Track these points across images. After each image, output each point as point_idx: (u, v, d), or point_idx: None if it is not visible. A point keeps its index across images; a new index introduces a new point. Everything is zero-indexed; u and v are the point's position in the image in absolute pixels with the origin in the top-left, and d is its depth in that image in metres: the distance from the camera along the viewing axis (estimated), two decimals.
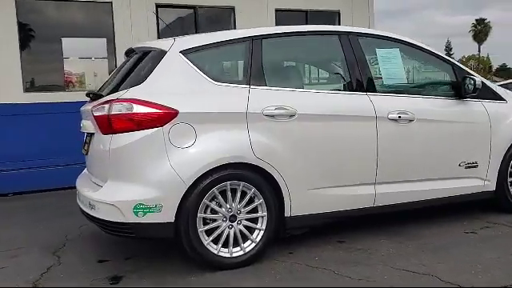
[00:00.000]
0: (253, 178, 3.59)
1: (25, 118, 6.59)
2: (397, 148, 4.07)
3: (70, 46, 7.37)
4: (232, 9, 7.85)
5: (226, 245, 3.57)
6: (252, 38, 3.80)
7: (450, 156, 4.33)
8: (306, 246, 3.97)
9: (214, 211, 3.53)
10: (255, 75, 3.72)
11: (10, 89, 6.55)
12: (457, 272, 3.37)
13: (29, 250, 4.26)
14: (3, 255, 4.14)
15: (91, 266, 3.82)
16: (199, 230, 3.46)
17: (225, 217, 3.55)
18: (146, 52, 3.87)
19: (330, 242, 4.06)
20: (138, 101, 3.38)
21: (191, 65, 3.60)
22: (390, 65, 4.20)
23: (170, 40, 3.70)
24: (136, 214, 3.33)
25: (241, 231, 3.60)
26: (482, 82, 4.38)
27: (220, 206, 3.54)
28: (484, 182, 4.49)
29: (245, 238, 3.62)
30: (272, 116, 3.63)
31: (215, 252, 3.52)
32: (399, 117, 4.03)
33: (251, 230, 3.64)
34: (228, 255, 3.56)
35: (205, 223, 3.51)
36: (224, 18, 8.01)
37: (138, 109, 3.37)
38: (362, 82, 4.03)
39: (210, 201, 3.50)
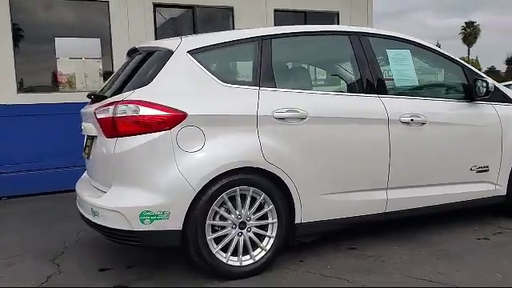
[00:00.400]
0: (263, 183, 3.45)
1: (18, 119, 6.40)
2: (409, 152, 3.95)
3: (63, 45, 7.19)
4: (230, 9, 7.72)
5: (234, 253, 3.42)
6: (261, 38, 3.66)
7: (462, 160, 4.22)
8: (316, 253, 3.83)
9: (222, 218, 3.38)
10: (265, 76, 3.58)
11: (3, 90, 6.36)
12: (477, 281, 3.25)
13: (25, 258, 4.08)
14: None
15: (93, 274, 3.66)
16: (208, 237, 3.31)
17: (234, 224, 3.40)
18: (150, 52, 3.72)
19: (341, 249, 3.93)
20: (145, 102, 3.23)
21: (199, 65, 3.45)
22: (400, 66, 4.09)
23: (177, 39, 3.54)
24: (142, 221, 3.18)
25: (250, 239, 3.45)
26: (493, 85, 4.28)
27: (229, 213, 3.39)
28: (495, 186, 4.39)
29: (254, 246, 3.48)
30: (283, 119, 3.50)
31: (224, 261, 3.37)
32: (412, 120, 3.91)
33: (261, 238, 3.50)
34: (237, 264, 3.41)
35: (213, 230, 3.36)
36: (222, 18, 7.88)
37: (145, 111, 3.21)
38: (374, 83, 3.91)
39: (219, 207, 3.36)
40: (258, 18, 7.76)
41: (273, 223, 3.50)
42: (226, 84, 3.47)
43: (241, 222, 3.42)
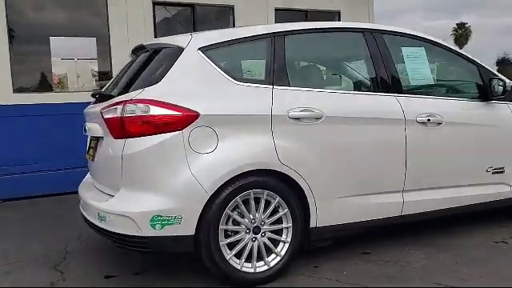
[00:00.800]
0: (277, 185, 3.30)
1: (15, 119, 6.20)
2: (425, 153, 3.82)
3: (58, 45, 7.01)
4: (231, 7, 7.56)
5: (248, 259, 3.27)
6: (274, 35, 3.52)
7: (478, 161, 4.09)
8: (331, 258, 3.69)
9: (236, 223, 3.23)
10: (278, 74, 3.43)
11: None
12: None
13: (25, 265, 3.90)
14: None
15: (99, 281, 3.49)
16: (221, 243, 3.16)
17: (248, 228, 3.25)
18: (158, 49, 3.56)
19: (355, 254, 3.79)
20: (155, 102, 3.07)
21: (211, 63, 3.29)
22: (415, 64, 3.96)
23: (187, 36, 3.39)
24: (153, 226, 3.01)
25: (265, 244, 3.30)
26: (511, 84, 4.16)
27: (242, 217, 3.24)
28: (510, 188, 4.26)
29: (268, 252, 3.33)
30: (297, 119, 3.35)
31: (238, 267, 3.22)
32: (428, 120, 3.78)
33: (275, 243, 3.35)
34: (252, 270, 3.26)
35: (226, 236, 3.21)
36: (222, 16, 7.72)
37: (155, 111, 3.05)
38: (389, 82, 3.77)
39: (232, 211, 3.20)
40: (259, 16, 7.60)
41: (287, 228, 3.36)
42: (238, 82, 3.31)
43: (255, 227, 3.27)
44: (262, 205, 3.27)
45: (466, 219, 4.39)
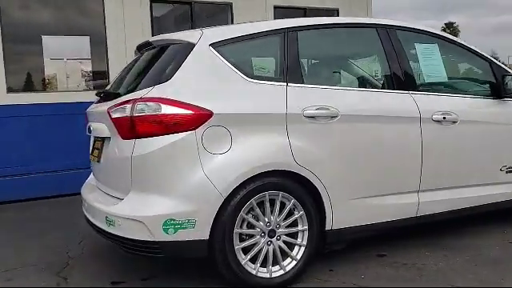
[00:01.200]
0: (293, 187, 3.17)
1: (7, 120, 6.01)
2: (440, 152, 3.72)
3: (51, 44, 6.82)
4: (229, 5, 7.43)
5: (262, 264, 3.14)
6: (287, 30, 3.39)
7: (492, 160, 4.01)
8: (346, 261, 3.58)
9: (250, 226, 3.10)
10: (292, 71, 3.31)
11: None
12: None
13: (26, 271, 3.73)
14: None
15: None
16: (236, 247, 3.03)
17: (263, 232, 3.12)
18: (166, 46, 3.41)
19: (370, 256, 3.68)
20: (167, 100, 2.93)
21: (223, 59, 3.16)
22: (429, 61, 3.85)
23: (197, 31, 3.25)
24: (166, 231, 2.87)
25: (280, 248, 3.18)
26: None
27: (257, 220, 3.11)
28: None
29: (283, 256, 3.20)
30: (313, 117, 3.23)
31: (253, 272, 3.09)
32: (444, 118, 3.68)
33: (290, 247, 3.23)
34: (267, 275, 3.13)
35: (241, 239, 3.08)
36: (221, 14, 7.58)
37: (167, 109, 2.91)
38: (404, 79, 3.67)
39: (247, 214, 3.07)
40: (258, 14, 7.47)
41: (303, 230, 3.24)
42: (251, 80, 3.19)
43: (270, 230, 3.14)
44: (278, 207, 3.15)
45: (478, 219, 4.30)
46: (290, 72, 3.29)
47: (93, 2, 6.59)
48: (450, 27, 67.76)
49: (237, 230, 3.03)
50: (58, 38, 6.82)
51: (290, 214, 3.21)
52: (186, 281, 3.36)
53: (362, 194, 3.41)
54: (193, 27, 7.10)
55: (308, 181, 3.20)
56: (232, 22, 7.41)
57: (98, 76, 7.06)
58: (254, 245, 3.10)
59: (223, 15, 7.55)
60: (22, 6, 6.34)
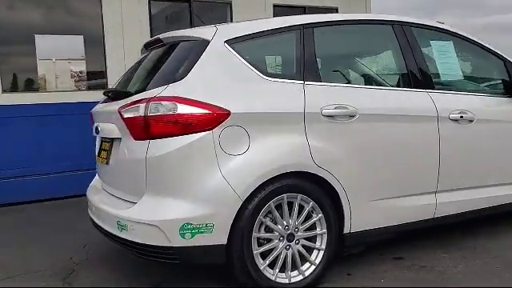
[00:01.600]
0: (311, 189, 3.07)
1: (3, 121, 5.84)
2: (458, 151, 3.64)
3: (44, 44, 6.65)
4: (229, 3, 7.31)
5: (281, 268, 3.03)
6: (303, 26, 3.28)
7: (508, 159, 3.92)
8: (362, 264, 3.48)
9: (268, 230, 2.99)
10: (309, 69, 3.20)
11: None
12: None
13: (30, 278, 3.59)
14: None
15: None
16: (254, 252, 2.91)
17: (281, 236, 3.01)
18: (177, 43, 3.28)
19: (387, 259, 3.58)
20: (183, 99, 2.80)
21: (238, 57, 3.04)
22: (445, 59, 3.77)
23: (211, 28, 3.12)
24: (183, 235, 2.75)
25: (299, 252, 3.07)
26: None
27: (275, 223, 2.99)
28: None
29: (302, 260, 3.09)
30: (331, 116, 3.12)
31: (272, 278, 2.98)
32: (461, 117, 3.60)
33: (309, 251, 3.12)
34: (286, 281, 3.02)
35: (259, 244, 2.96)
36: (220, 13, 7.46)
37: (183, 109, 2.79)
38: (421, 77, 3.58)
39: (264, 217, 2.96)
40: (257, 13, 7.35)
41: (322, 234, 3.13)
42: (268, 78, 3.07)
43: (289, 234, 3.03)
44: (296, 210, 3.04)
45: (486, 219, 4.20)
46: (306, 70, 3.18)
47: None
48: None
49: (255, 234, 2.91)
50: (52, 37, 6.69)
51: (308, 217, 3.10)
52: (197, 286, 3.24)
53: (380, 195, 3.31)
54: (191, 26, 6.99)
55: (326, 182, 3.10)
56: (231, 21, 7.30)
57: (94, 76, 6.94)
58: (272, 249, 2.99)
59: (222, 14, 7.43)
60: (10, 5, 6.15)
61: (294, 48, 3.24)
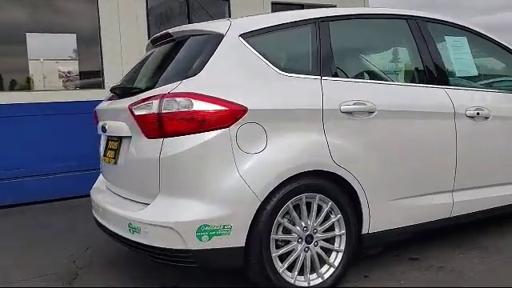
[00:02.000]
0: (330, 188, 2.96)
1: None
2: (474, 149, 3.55)
3: (36, 42, 6.50)
4: (227, 0, 7.18)
5: (299, 271, 2.92)
6: (318, 20, 3.17)
7: None
8: (378, 265, 3.37)
9: (286, 231, 2.87)
10: (325, 64, 3.09)
11: None
12: None
13: (33, 283, 3.43)
14: None
15: None
16: (273, 254, 2.79)
17: (300, 237, 2.90)
18: (188, 37, 3.15)
19: (403, 260, 3.49)
20: (199, 95, 2.68)
21: (254, 51, 2.92)
22: (460, 54, 3.68)
23: (225, 21, 3.00)
24: (200, 238, 2.62)
25: (318, 254, 2.95)
26: None
27: (294, 225, 2.88)
28: None
29: (321, 263, 2.98)
30: (350, 113, 3.02)
31: (291, 281, 2.86)
32: (477, 113, 3.51)
33: (327, 252, 3.01)
34: (305, 284, 2.91)
35: (277, 246, 2.84)
36: (218, 9, 7.33)
37: (199, 106, 2.66)
38: (437, 73, 3.49)
39: (282, 218, 2.84)
40: (255, 10, 7.21)
41: (341, 235, 3.02)
42: (284, 73, 2.95)
43: (307, 236, 2.91)
44: (315, 210, 2.92)
45: (492, 219, 4.10)
46: (323, 64, 3.08)
47: None
48: None
49: (273, 236, 2.80)
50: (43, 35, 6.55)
51: (327, 217, 2.99)
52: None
53: (399, 194, 3.21)
54: (189, 23, 6.84)
55: (345, 181, 2.99)
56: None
57: (89, 76, 6.81)
58: (290, 252, 2.87)
59: (220, 11, 7.30)
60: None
61: (309, 42, 3.14)
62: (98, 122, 3.52)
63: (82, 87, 6.67)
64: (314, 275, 2.95)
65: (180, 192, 2.69)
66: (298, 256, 2.89)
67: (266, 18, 3.14)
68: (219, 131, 2.67)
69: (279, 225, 2.83)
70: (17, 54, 6.17)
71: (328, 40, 3.14)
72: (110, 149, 3.27)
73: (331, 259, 3.00)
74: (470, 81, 3.76)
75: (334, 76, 3.09)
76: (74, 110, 5.82)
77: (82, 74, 6.89)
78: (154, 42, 3.53)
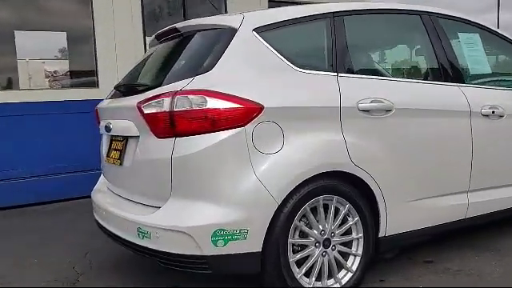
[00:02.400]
0: (347, 190, 2.83)
1: None
2: (489, 148, 3.46)
3: (24, 40, 6.35)
4: None
5: (317, 277, 2.79)
6: (333, 15, 3.05)
7: None
8: (393, 269, 3.26)
9: (303, 235, 2.74)
10: (341, 60, 2.97)
11: None
12: None
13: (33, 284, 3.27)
14: None
15: None
16: (290, 260, 2.66)
17: (317, 242, 2.77)
18: (198, 32, 3.01)
19: (417, 263, 3.38)
20: (213, 93, 2.53)
21: (268, 46, 2.79)
22: (473, 52, 3.59)
23: (238, 15, 2.86)
24: (215, 243, 2.48)
25: (335, 258, 2.83)
26: None
27: (311, 228, 2.75)
28: None
29: (338, 267, 2.86)
30: (367, 111, 2.90)
31: (309, 287, 2.73)
32: (493, 112, 3.42)
33: (345, 257, 2.89)
34: None
35: (294, 251, 2.71)
36: (214, 6, 7.18)
37: (214, 103, 2.52)
38: (452, 70, 3.39)
39: (299, 221, 2.71)
40: (252, 6, 7.06)
41: (358, 238, 2.90)
42: (300, 69, 2.83)
43: (325, 239, 2.79)
44: (332, 213, 2.80)
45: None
46: (339, 61, 2.95)
47: None
48: None
49: (290, 240, 2.67)
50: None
51: (344, 220, 2.87)
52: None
53: (416, 195, 3.10)
54: (185, 19, 6.69)
55: (363, 182, 2.87)
56: None
57: (78, 75, 6.65)
58: (307, 256, 2.75)
59: (217, 7, 7.16)
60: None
61: (325, 37, 3.01)
62: (99, 121, 3.36)
63: (73, 86, 6.50)
64: (332, 280, 2.83)
65: (193, 194, 2.55)
66: (316, 261, 2.76)
67: (279, 11, 3.01)
68: (234, 130, 2.53)
69: (296, 228, 2.70)
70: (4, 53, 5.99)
71: (343, 35, 3.02)
72: (115, 149, 3.11)
73: (349, 263, 2.88)
74: (484, 78, 3.67)
75: (349, 73, 2.97)
76: (66, 110, 5.66)
77: (73, 74, 6.73)
78: (159, 38, 3.38)
